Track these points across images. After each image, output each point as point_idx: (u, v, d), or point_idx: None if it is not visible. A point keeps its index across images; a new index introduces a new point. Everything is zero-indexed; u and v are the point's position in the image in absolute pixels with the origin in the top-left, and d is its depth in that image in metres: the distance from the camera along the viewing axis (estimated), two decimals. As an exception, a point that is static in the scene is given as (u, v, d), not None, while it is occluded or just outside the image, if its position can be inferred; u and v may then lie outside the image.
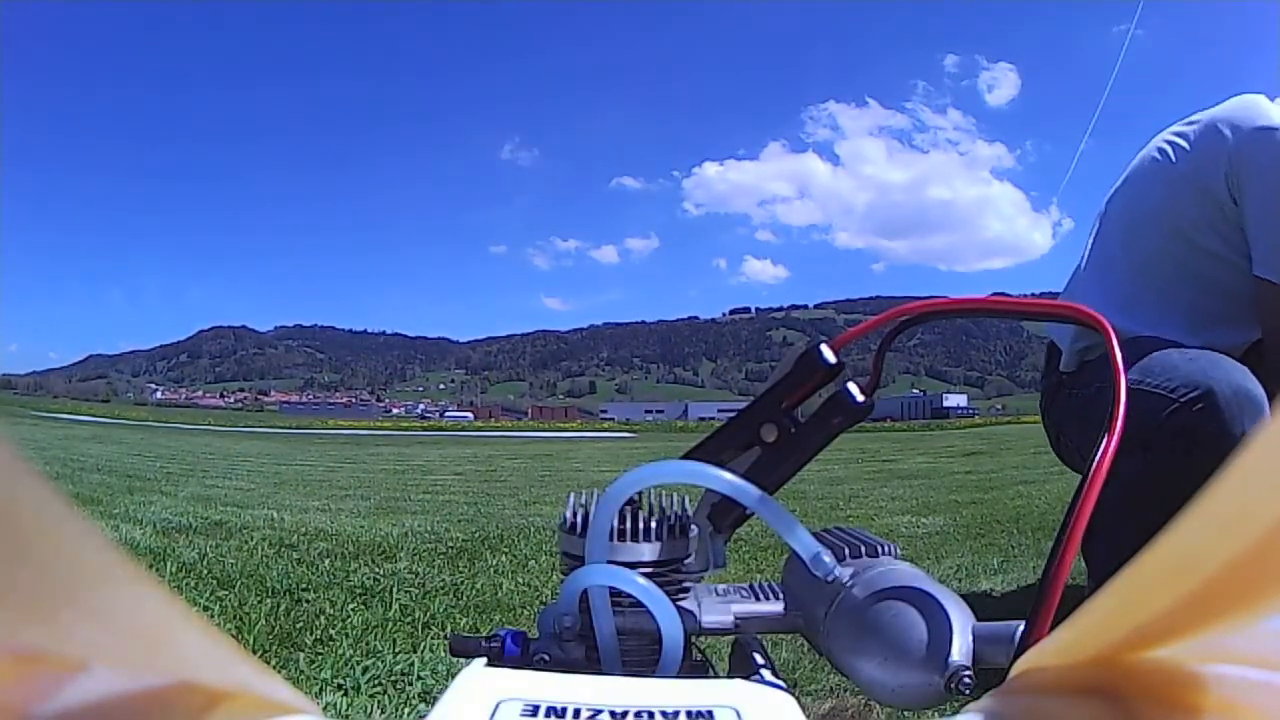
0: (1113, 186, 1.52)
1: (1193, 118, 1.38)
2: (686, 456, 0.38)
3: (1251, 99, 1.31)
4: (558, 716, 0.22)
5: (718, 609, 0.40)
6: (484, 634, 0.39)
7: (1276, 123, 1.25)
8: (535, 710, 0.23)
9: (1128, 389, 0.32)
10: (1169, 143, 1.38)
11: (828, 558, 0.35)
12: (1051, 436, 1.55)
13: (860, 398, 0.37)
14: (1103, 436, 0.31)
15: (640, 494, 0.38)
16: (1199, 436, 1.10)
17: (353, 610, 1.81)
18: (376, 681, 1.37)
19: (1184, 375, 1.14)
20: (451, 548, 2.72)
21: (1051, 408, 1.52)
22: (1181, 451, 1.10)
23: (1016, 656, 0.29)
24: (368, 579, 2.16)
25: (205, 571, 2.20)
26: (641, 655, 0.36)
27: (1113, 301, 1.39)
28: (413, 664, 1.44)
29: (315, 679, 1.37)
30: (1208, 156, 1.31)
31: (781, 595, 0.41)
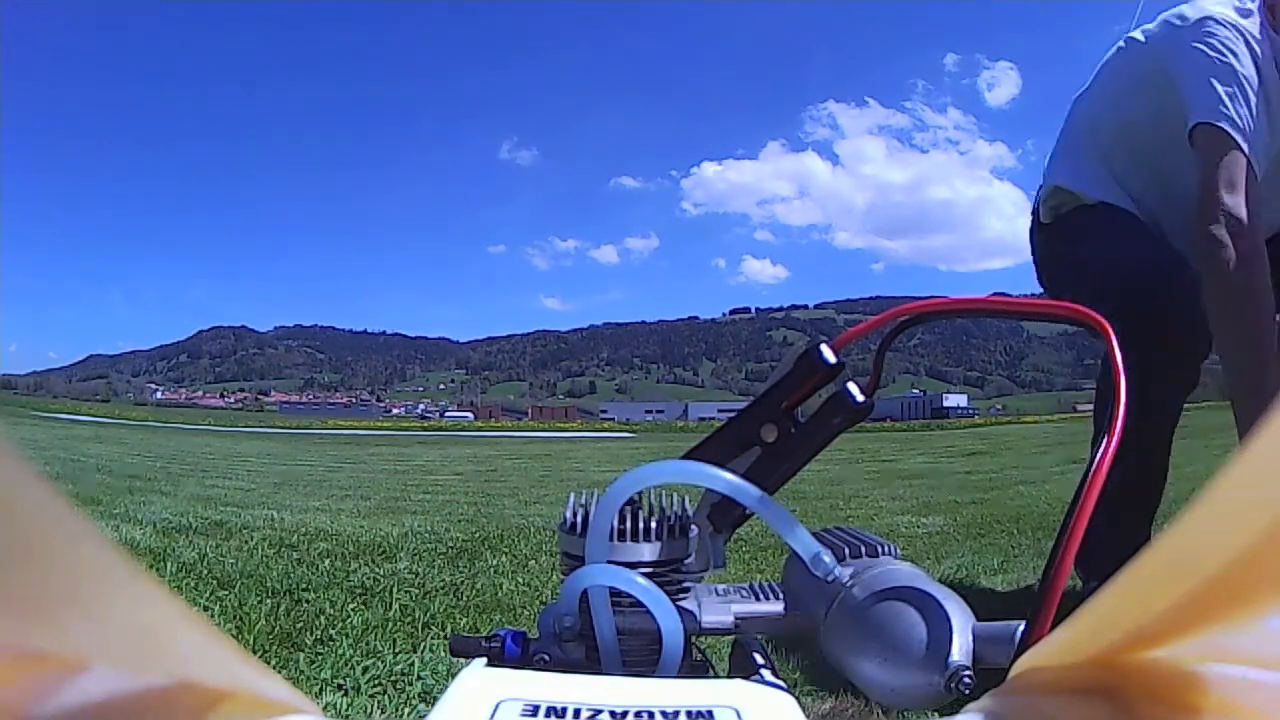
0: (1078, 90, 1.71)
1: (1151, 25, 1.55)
2: (686, 456, 0.38)
3: None
4: (558, 716, 0.22)
5: (718, 609, 0.40)
6: (484, 634, 0.39)
7: (1217, 15, 1.39)
8: (535, 710, 0.23)
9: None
10: (1128, 39, 1.56)
11: (828, 558, 0.35)
12: (1044, 281, 1.76)
13: (860, 398, 0.37)
14: (1102, 437, 0.31)
15: (640, 494, 0.38)
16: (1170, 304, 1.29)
17: (353, 610, 1.81)
18: (376, 681, 1.37)
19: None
20: (451, 548, 2.72)
21: (1041, 256, 1.75)
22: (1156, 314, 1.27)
23: (1016, 656, 0.29)
24: (368, 579, 2.16)
25: (205, 571, 2.20)
26: (641, 655, 0.36)
27: (1078, 173, 1.61)
28: (413, 664, 1.44)
29: (315, 679, 1.37)
30: (1157, 48, 1.48)
31: (781, 595, 0.41)
